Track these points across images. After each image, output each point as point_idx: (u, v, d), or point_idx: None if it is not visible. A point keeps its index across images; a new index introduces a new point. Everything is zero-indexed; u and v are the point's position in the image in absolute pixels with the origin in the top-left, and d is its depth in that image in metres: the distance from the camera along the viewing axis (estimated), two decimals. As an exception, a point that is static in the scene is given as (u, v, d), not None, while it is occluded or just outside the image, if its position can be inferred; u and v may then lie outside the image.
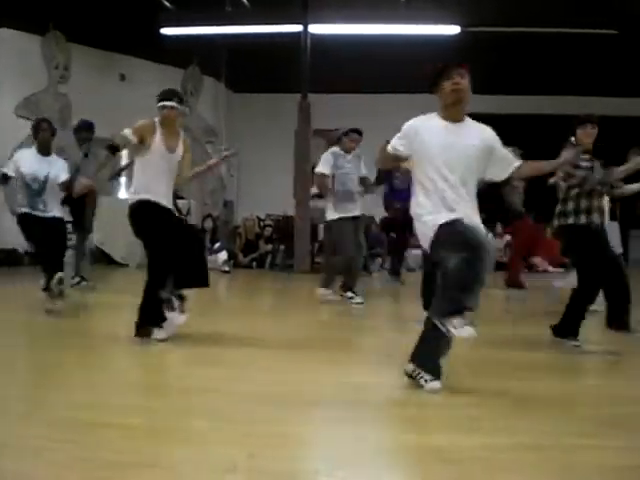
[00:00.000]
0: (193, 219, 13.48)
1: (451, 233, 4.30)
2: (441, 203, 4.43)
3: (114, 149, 5.89)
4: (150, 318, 5.69)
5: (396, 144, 4.66)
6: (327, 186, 8.39)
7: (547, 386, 4.61)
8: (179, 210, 12.88)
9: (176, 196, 12.62)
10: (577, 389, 4.62)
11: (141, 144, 5.77)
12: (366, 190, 8.79)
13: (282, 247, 13.76)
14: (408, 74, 15.92)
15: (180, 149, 6.01)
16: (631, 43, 14.52)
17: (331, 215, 8.41)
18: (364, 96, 16.94)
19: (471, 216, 4.45)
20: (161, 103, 5.87)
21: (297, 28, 13.24)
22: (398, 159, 4.74)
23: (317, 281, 8.93)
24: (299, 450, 3.36)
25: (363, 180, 8.58)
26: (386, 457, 3.35)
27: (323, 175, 8.42)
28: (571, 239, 5.71)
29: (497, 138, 4.65)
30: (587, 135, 5.82)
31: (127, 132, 5.76)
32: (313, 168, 13.59)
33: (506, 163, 4.62)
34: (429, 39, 14.30)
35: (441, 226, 4.35)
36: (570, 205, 5.67)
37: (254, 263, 13.86)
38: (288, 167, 13.53)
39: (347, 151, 8.55)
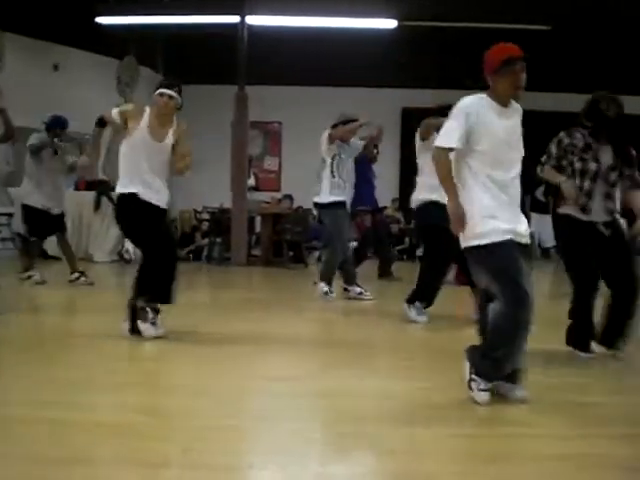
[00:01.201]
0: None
1: (501, 264, 3.87)
2: (502, 207, 3.97)
3: (102, 122, 5.84)
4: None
5: (451, 139, 4.01)
6: None
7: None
8: (113, 201, 12.72)
9: (110, 188, 12.51)
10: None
11: (124, 128, 5.67)
12: None
13: (219, 240, 13.68)
14: (346, 67, 16.04)
15: (170, 139, 5.85)
16: (564, 38, 14.81)
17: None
18: (302, 88, 16.91)
19: (523, 229, 4.07)
20: (159, 90, 5.79)
21: (235, 19, 13.13)
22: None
23: (253, 274, 8.90)
24: (233, 444, 3.35)
25: None
26: (319, 448, 3.36)
27: None
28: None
29: None
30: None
31: (114, 111, 5.72)
32: (250, 160, 13.61)
33: None
34: (367, 32, 14.35)
35: (495, 246, 3.89)
36: None
37: (191, 256, 13.74)
38: (225, 159, 13.43)
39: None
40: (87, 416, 3.66)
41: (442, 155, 4.01)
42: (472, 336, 4.29)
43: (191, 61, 16.31)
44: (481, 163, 3.96)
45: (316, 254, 13.94)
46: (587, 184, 5.07)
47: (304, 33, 14.31)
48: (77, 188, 13.04)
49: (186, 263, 13.29)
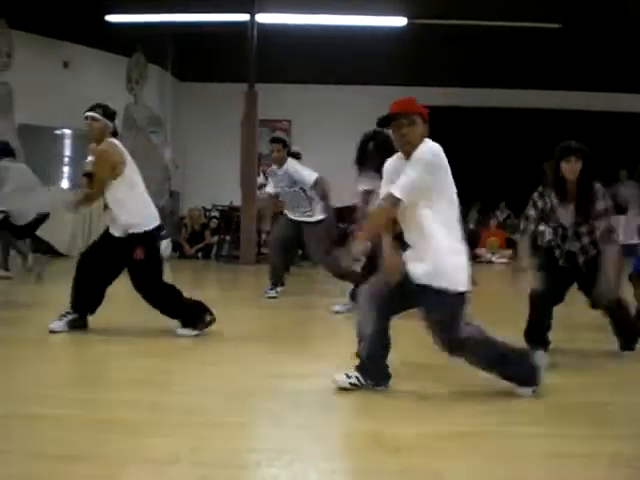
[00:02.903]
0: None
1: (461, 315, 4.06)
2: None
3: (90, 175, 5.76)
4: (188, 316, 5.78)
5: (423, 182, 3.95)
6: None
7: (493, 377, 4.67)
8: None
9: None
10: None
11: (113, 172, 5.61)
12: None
13: (228, 238, 13.70)
14: (355, 65, 16.05)
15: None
16: (574, 37, 14.76)
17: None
18: (311, 86, 16.90)
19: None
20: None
21: (244, 17, 13.15)
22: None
23: (262, 272, 8.89)
24: (240, 441, 3.36)
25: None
26: (327, 445, 3.36)
27: None
28: None
29: None
30: (571, 170, 5.00)
31: (89, 159, 5.67)
32: (259, 159, 13.61)
33: None
34: (376, 31, 14.36)
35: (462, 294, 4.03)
36: None
37: (200, 254, 13.77)
38: (234, 157, 13.44)
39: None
40: (92, 413, 3.68)
41: None
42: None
43: (200, 59, 16.34)
44: None
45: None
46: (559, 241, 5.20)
47: (313, 31, 14.32)
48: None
49: (195, 261, 13.34)
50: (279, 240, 8.37)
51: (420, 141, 3.99)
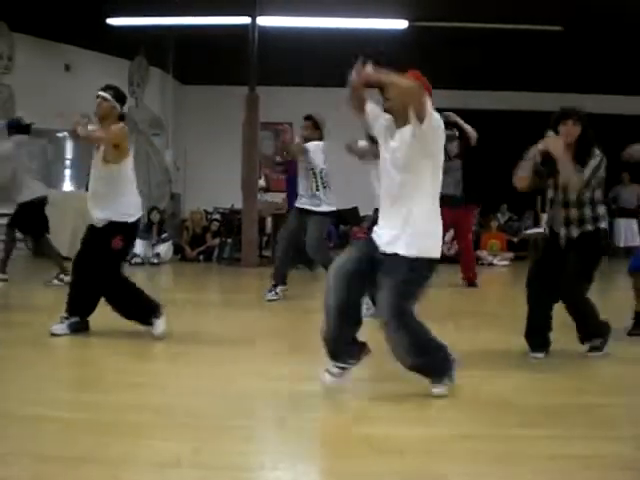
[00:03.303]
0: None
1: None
2: None
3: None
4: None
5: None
6: None
7: (486, 379, 4.68)
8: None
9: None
10: (522, 380, 4.69)
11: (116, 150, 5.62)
12: None
13: (229, 240, 13.69)
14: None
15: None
16: (575, 40, 14.76)
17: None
18: (312, 89, 16.90)
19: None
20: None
21: (245, 20, 13.14)
22: None
23: (264, 274, 8.89)
24: (243, 444, 3.36)
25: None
26: (330, 448, 3.37)
27: None
28: None
29: None
30: (567, 133, 5.04)
31: (91, 127, 5.66)
32: (261, 161, 13.61)
33: None
34: (378, 33, 14.35)
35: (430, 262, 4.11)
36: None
37: (201, 256, 13.76)
38: (235, 160, 13.44)
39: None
40: (93, 415, 3.68)
41: None
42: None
43: (201, 62, 16.33)
44: None
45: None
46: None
47: (314, 34, 14.31)
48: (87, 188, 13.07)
49: (196, 264, 13.35)
50: (289, 231, 8.27)
51: None
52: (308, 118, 8.31)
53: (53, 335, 5.56)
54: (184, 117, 17.62)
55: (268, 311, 7.64)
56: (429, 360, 4.14)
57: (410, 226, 4.00)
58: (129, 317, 5.73)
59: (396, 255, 3.99)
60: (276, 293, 8.20)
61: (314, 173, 8.03)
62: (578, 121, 5.01)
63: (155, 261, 12.55)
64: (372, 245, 4.12)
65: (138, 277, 10.71)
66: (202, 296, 9.49)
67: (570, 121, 5.01)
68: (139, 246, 12.46)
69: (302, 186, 8.19)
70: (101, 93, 5.70)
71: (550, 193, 5.30)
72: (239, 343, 5.76)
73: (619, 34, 14.57)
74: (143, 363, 4.99)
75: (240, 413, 3.81)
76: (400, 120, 4.09)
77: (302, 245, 8.19)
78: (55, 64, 14.26)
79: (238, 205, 13.44)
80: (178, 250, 13.69)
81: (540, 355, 5.22)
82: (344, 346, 4.19)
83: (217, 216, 14.88)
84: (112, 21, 13.88)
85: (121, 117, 5.81)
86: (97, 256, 5.65)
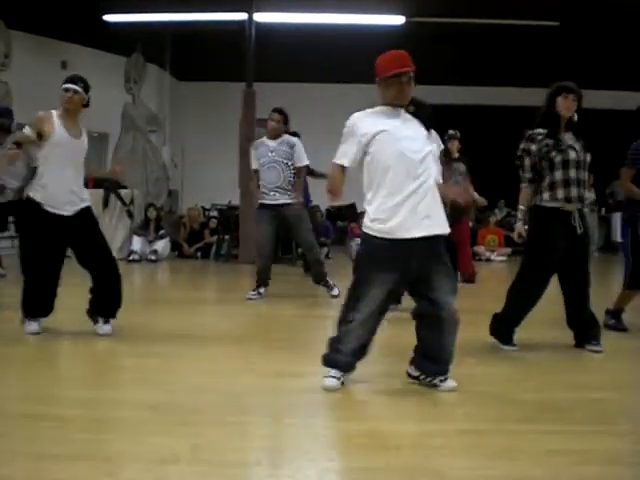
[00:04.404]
0: (136, 208, 13.30)
1: None
2: None
3: (18, 145, 5.80)
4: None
5: None
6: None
7: (490, 373, 4.68)
8: (122, 199, 12.74)
9: (119, 185, 12.49)
10: (520, 376, 4.69)
11: (40, 139, 5.53)
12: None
13: (227, 237, 13.67)
14: (353, 64, 15.99)
15: (85, 137, 5.81)
16: (572, 35, 14.76)
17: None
18: (309, 85, 16.93)
19: None
20: (64, 86, 5.67)
21: (242, 16, 13.13)
22: None
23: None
24: (240, 440, 3.36)
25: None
26: (327, 444, 3.37)
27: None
28: None
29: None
30: (567, 107, 5.42)
31: (26, 129, 5.59)
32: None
33: None
34: (375, 29, 14.33)
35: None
36: None
37: (199, 253, 13.76)
38: (233, 156, 13.43)
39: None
40: (91, 412, 3.68)
41: None
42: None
43: (198, 58, 16.33)
44: None
45: (324, 250, 13.93)
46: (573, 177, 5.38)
47: (312, 30, 14.31)
48: (85, 186, 13.05)
49: (194, 260, 13.34)
50: (267, 239, 8.10)
51: None
52: (280, 112, 8.29)
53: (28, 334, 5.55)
54: (181, 114, 17.62)
55: (266, 307, 7.63)
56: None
57: (437, 202, 4.09)
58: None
59: (436, 237, 4.04)
60: (259, 292, 8.04)
61: (292, 170, 8.02)
62: (577, 99, 5.43)
63: (152, 258, 12.53)
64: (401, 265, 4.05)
65: (135, 274, 10.72)
66: (199, 293, 9.49)
67: (572, 96, 5.37)
68: (136, 243, 12.46)
69: (276, 181, 8.01)
70: (73, 86, 5.62)
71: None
72: (237, 340, 5.76)
73: (616, 29, 14.58)
74: (140, 360, 4.98)
75: (238, 410, 3.81)
76: None
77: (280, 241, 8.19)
78: (52, 61, 14.23)
79: (235, 202, 13.43)
80: (175, 247, 13.69)
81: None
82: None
83: (214, 213, 14.87)
84: (109, 18, 13.88)
85: (85, 105, 5.79)
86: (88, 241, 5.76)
